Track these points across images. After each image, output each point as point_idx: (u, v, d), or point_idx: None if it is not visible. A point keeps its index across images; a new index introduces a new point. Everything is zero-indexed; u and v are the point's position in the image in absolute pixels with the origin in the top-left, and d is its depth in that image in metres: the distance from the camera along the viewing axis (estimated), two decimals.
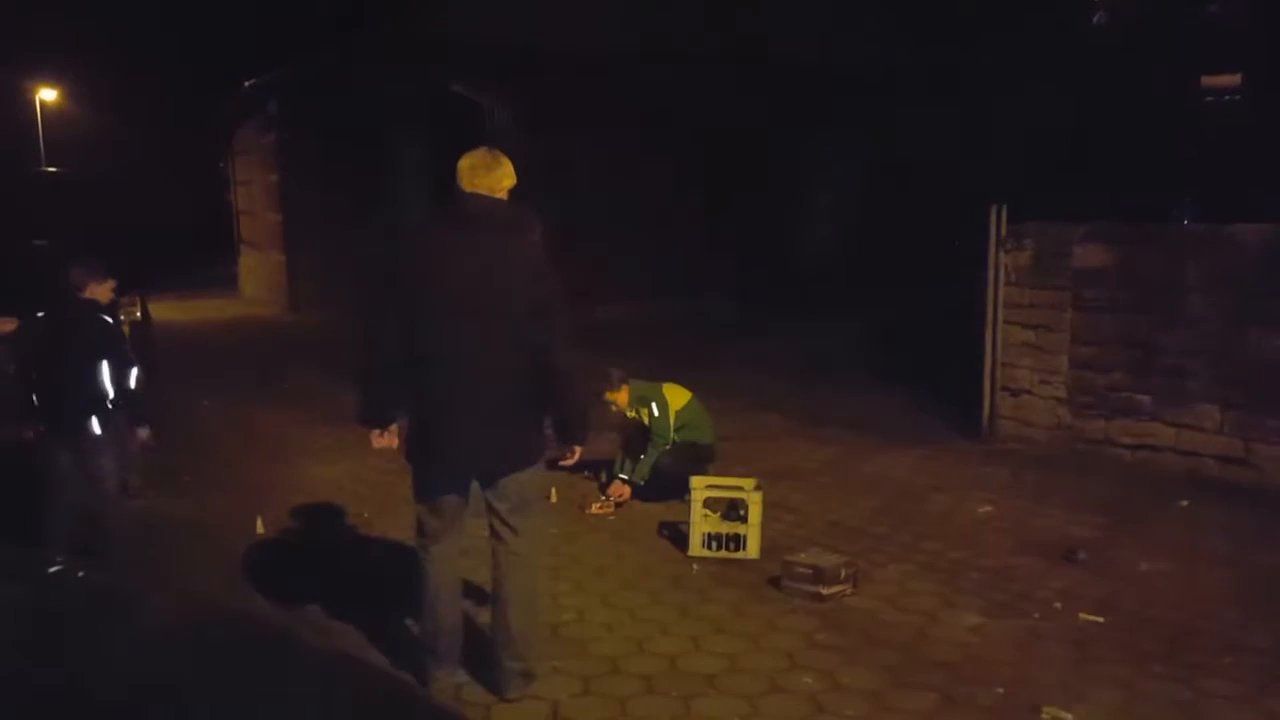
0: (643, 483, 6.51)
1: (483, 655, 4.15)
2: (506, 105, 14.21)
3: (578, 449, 4.10)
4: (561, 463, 4.22)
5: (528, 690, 4.05)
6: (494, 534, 4.01)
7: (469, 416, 3.80)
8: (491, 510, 3.98)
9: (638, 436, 6.66)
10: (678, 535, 5.85)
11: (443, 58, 13.49)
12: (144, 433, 5.70)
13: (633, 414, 6.68)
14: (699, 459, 6.57)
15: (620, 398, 6.65)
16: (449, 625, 4.07)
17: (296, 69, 16.47)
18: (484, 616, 4.35)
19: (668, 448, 6.52)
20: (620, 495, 6.47)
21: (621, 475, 6.61)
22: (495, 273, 3.76)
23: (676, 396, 6.71)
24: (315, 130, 16.73)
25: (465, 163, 3.86)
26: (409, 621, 4.44)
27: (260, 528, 6.04)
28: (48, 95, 26.23)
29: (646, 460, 6.49)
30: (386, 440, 3.97)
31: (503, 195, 3.87)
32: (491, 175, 3.83)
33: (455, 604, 4.12)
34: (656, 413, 6.57)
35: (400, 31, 13.52)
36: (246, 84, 18.54)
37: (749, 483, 5.75)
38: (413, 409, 3.88)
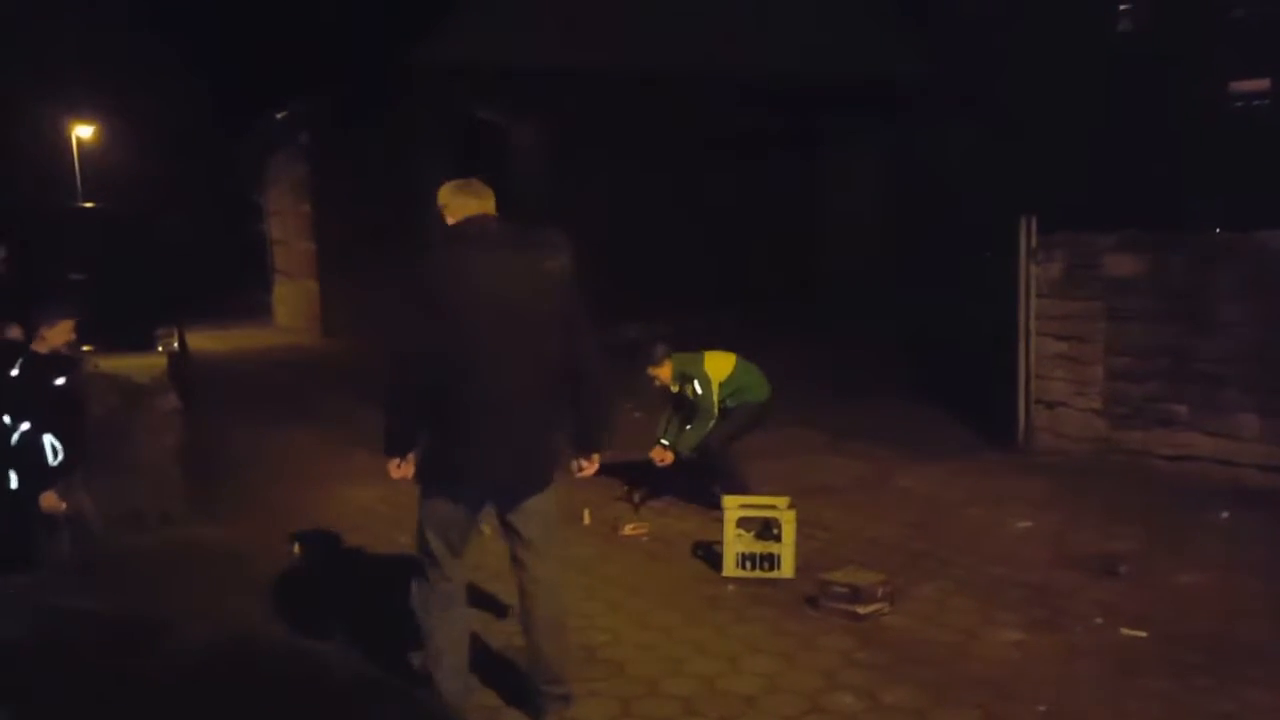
0: (688, 453, 6.57)
1: (519, 681, 4.16)
2: (531, 130, 14.33)
3: (596, 457, 4.08)
4: (580, 474, 4.11)
5: (567, 713, 4.04)
6: (516, 560, 3.98)
7: (503, 438, 3.78)
8: (513, 535, 3.94)
9: (684, 402, 6.71)
10: (712, 555, 5.84)
11: (468, 85, 13.64)
12: (49, 499, 4.92)
13: (676, 389, 6.72)
14: (750, 421, 6.66)
15: (663, 373, 6.67)
16: (458, 657, 3.96)
17: (326, 100, 16.70)
18: (515, 639, 4.35)
19: (713, 420, 6.55)
20: (663, 460, 6.52)
21: (664, 440, 6.65)
22: (525, 290, 3.77)
23: (720, 365, 6.69)
24: (345, 159, 16.94)
25: (444, 193, 3.88)
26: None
27: (297, 550, 6.09)
28: (84, 132, 26.69)
29: (693, 432, 6.53)
30: (405, 470, 3.91)
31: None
32: (475, 199, 3.85)
33: (463, 641, 4.00)
34: (700, 390, 6.55)
35: (425, 61, 13.68)
36: (278, 116, 18.80)
37: (782, 501, 5.74)
38: (437, 432, 3.81)
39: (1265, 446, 6.72)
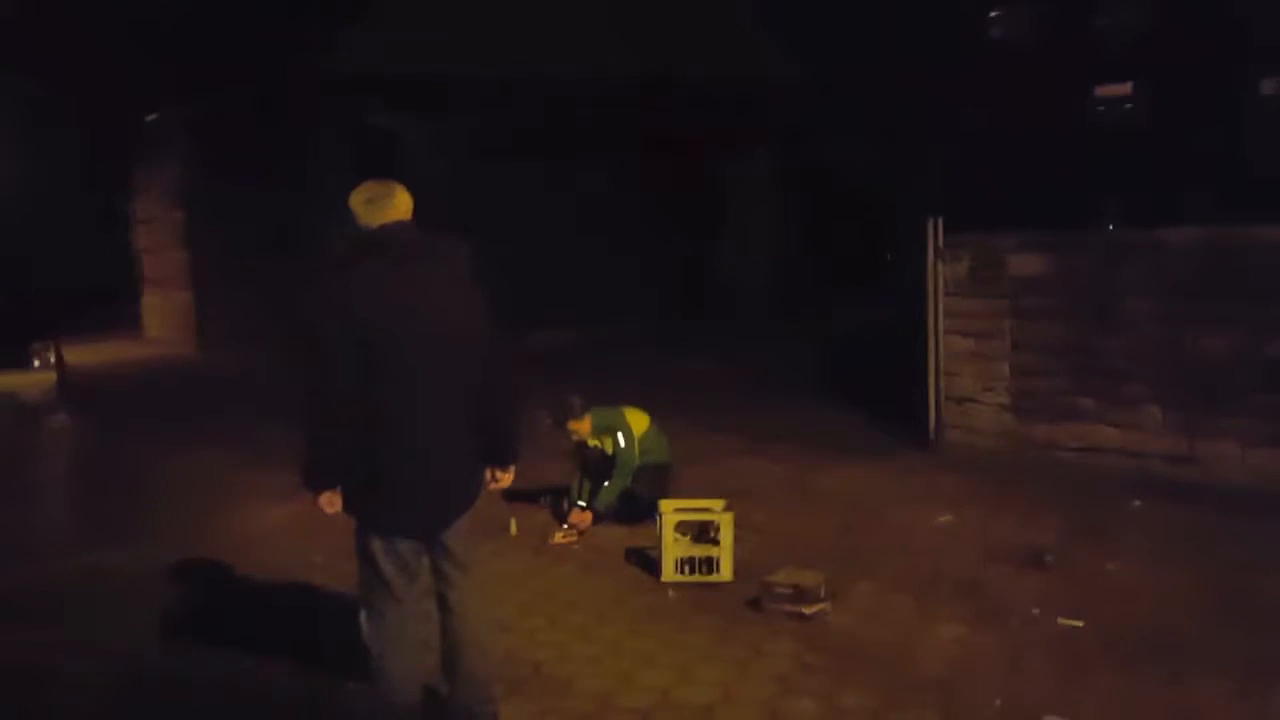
0: (605, 510, 6.40)
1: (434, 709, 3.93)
2: (425, 134, 14.02)
3: (512, 469, 3.94)
4: (495, 486, 3.95)
5: None
6: (442, 578, 3.78)
7: (438, 459, 3.62)
8: (442, 552, 3.74)
9: (598, 463, 6.54)
10: (646, 561, 5.75)
11: (357, 89, 13.28)
12: None
13: (595, 442, 6.56)
14: (661, 481, 6.50)
15: (582, 427, 6.52)
16: (412, 693, 3.74)
17: (204, 103, 16.03)
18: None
19: (630, 476, 6.42)
20: (583, 522, 6.34)
21: (581, 502, 6.48)
22: (444, 303, 3.60)
23: (638, 422, 6.62)
24: (223, 165, 16.27)
25: (360, 197, 3.63)
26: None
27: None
28: None
29: (612, 488, 6.38)
30: (336, 503, 3.63)
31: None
32: (394, 203, 3.63)
33: (417, 675, 3.78)
34: (622, 443, 6.45)
35: (312, 66, 13.27)
36: (148, 119, 17.98)
37: (718, 504, 5.69)
38: (367, 457, 3.53)
39: (1170, 437, 6.96)
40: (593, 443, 6.56)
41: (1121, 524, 6.22)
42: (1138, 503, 6.56)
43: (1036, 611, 4.95)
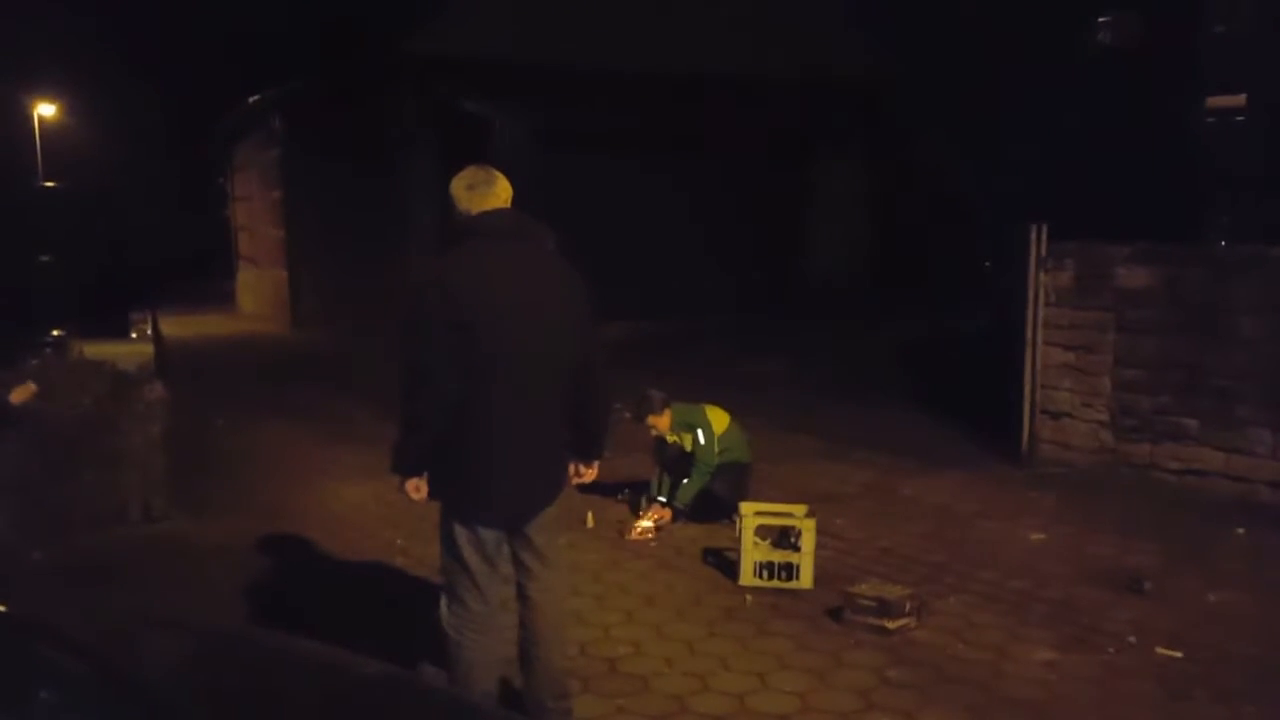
0: (683, 508, 6.32)
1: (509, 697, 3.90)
2: (518, 121, 14.04)
3: (596, 464, 3.87)
4: (578, 480, 3.88)
5: None
6: (524, 569, 3.72)
7: (531, 451, 3.58)
8: (524, 543, 3.68)
9: (678, 459, 6.47)
10: (724, 562, 5.66)
11: (451, 74, 13.35)
12: None
13: (674, 438, 6.48)
14: (740, 482, 6.41)
15: (661, 422, 6.45)
16: (489, 685, 3.70)
17: (303, 86, 16.30)
18: None
19: (711, 474, 6.33)
20: (662, 519, 6.27)
21: (660, 498, 6.41)
22: (544, 291, 3.56)
23: (718, 420, 6.54)
24: (320, 146, 16.55)
25: (461, 183, 3.60)
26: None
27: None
28: (46, 110, 25.95)
29: (690, 486, 6.30)
30: (424, 489, 3.59)
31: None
32: (495, 190, 3.60)
33: (497, 668, 3.73)
34: (702, 440, 6.38)
35: (406, 48, 13.37)
36: (250, 99, 18.35)
37: (800, 509, 5.56)
38: (458, 446, 3.48)
39: (1279, 463, 6.64)
40: (671, 439, 6.49)
41: (1224, 552, 5.94)
42: (1241, 530, 6.26)
43: (1133, 639, 4.74)
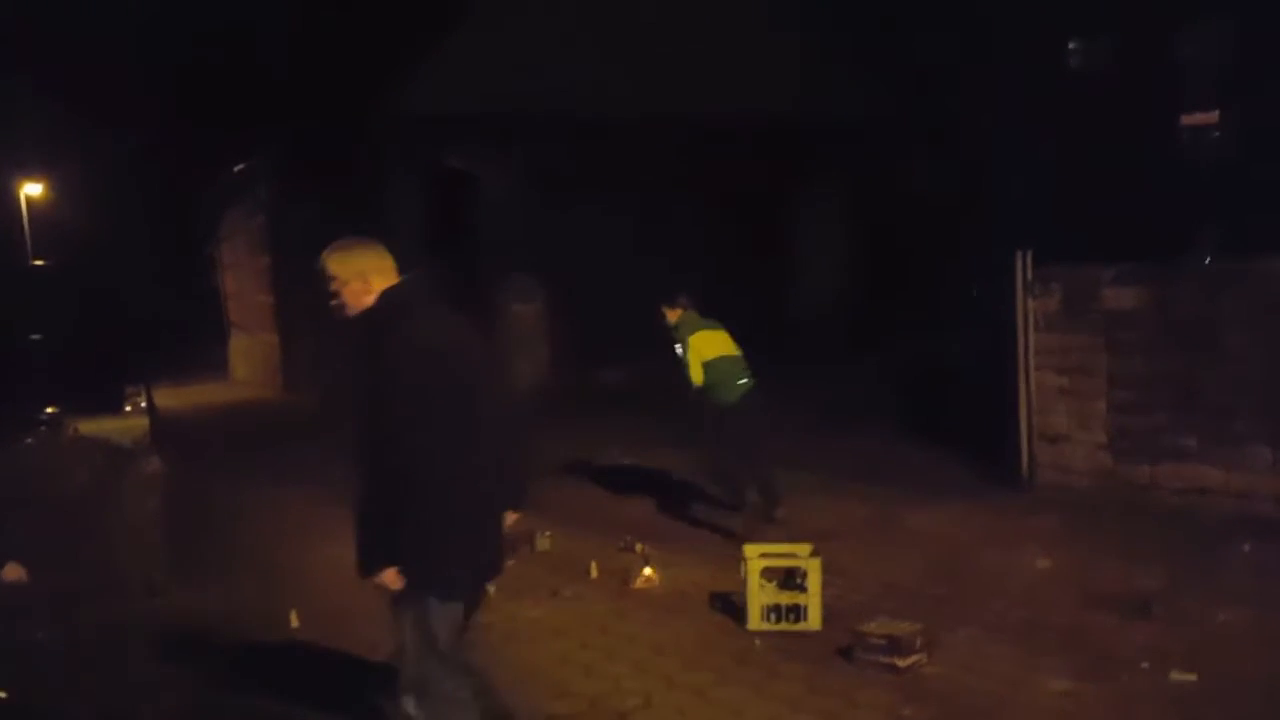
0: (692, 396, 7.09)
1: None
2: (503, 176, 14.15)
3: (521, 512, 3.78)
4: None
5: None
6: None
7: (490, 510, 3.57)
8: (474, 605, 3.65)
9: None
10: (730, 607, 5.62)
11: (435, 133, 13.46)
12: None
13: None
14: (717, 424, 7.07)
15: (671, 315, 7.23)
16: None
17: (287, 152, 16.40)
18: None
19: (698, 385, 7.01)
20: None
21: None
22: (475, 346, 3.61)
23: (708, 347, 7.08)
24: (305, 210, 16.60)
25: (370, 263, 3.52)
26: None
27: (295, 621, 5.76)
28: (33, 190, 26.05)
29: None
30: (399, 579, 3.39)
31: None
32: (390, 258, 3.56)
33: None
34: (680, 352, 7.09)
35: (390, 110, 13.49)
36: (235, 169, 18.46)
37: (804, 549, 5.53)
38: (426, 518, 3.34)
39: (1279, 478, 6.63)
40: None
41: (1231, 570, 5.92)
42: (1247, 547, 6.24)
43: (1147, 665, 4.70)
